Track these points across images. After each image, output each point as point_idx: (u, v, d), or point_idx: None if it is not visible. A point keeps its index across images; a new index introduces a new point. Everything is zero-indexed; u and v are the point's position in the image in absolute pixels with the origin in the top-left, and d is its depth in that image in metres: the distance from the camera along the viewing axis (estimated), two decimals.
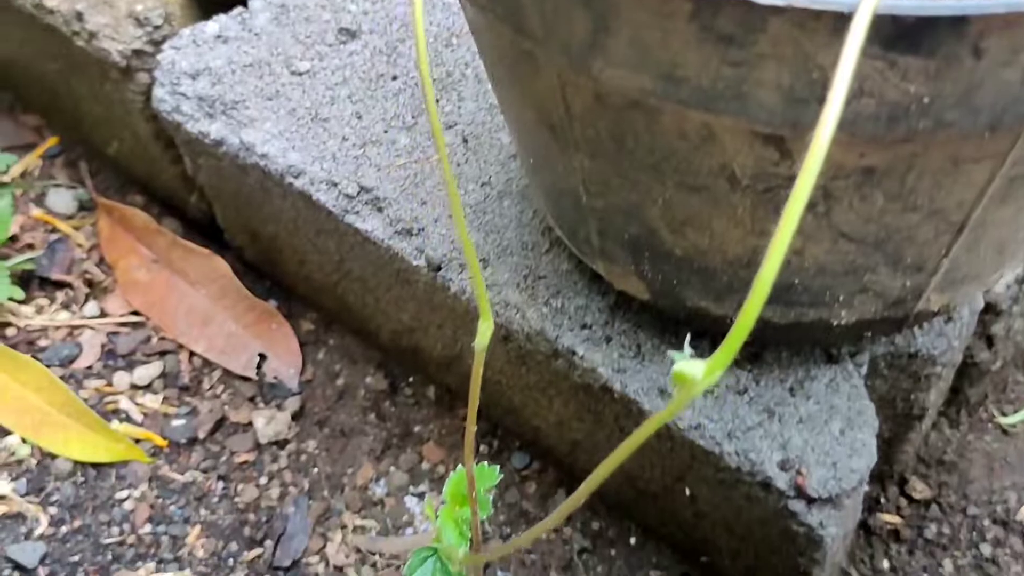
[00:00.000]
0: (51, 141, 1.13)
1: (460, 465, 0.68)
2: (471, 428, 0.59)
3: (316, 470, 0.96)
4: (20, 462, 0.96)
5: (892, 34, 0.43)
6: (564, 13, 0.49)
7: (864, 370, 0.73)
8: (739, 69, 0.46)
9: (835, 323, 0.66)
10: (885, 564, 0.89)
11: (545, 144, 0.63)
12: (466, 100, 0.85)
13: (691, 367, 0.45)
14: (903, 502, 0.91)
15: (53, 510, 0.94)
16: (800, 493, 0.70)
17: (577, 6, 0.48)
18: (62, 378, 0.98)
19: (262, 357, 1.00)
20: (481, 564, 0.72)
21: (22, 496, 0.94)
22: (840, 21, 0.42)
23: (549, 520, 0.59)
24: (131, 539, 0.92)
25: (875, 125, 0.48)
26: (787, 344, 0.72)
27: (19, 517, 0.93)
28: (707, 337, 0.73)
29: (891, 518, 0.90)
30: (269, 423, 0.97)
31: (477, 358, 0.56)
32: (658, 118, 0.53)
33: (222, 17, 0.90)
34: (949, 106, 0.46)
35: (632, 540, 0.91)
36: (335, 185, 0.81)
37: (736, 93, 0.48)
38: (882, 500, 0.91)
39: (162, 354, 1.02)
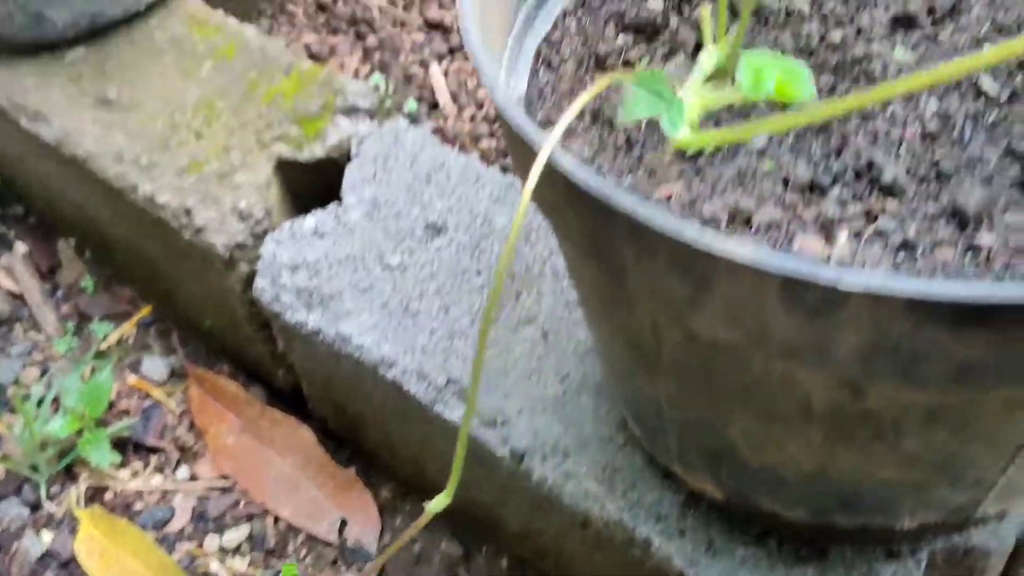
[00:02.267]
0: (144, 311, 1.20)
1: None
2: None
3: None
4: None
5: (961, 313, 0.49)
6: (664, 278, 0.55)
7: (923, 565, 0.77)
8: (821, 332, 0.52)
9: (898, 528, 0.71)
10: None
11: (630, 363, 0.70)
12: (545, 295, 0.91)
13: None
14: None
15: None
16: None
17: (677, 272, 0.54)
18: (156, 540, 1.04)
19: (343, 522, 1.06)
20: None
21: None
22: (909, 303, 0.48)
23: None
24: None
25: (942, 379, 0.54)
26: (852, 543, 0.77)
27: None
28: (774, 535, 0.78)
29: None
30: None
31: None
32: (744, 362, 0.59)
33: (319, 212, 0.97)
34: (1009, 369, 0.52)
35: None
36: (425, 376, 0.87)
37: (817, 350, 0.54)
38: None
39: (249, 517, 1.07)
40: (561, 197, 0.55)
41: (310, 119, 1.03)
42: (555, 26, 0.72)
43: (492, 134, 1.28)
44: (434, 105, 1.33)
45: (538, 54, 0.70)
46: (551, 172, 0.53)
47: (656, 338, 0.63)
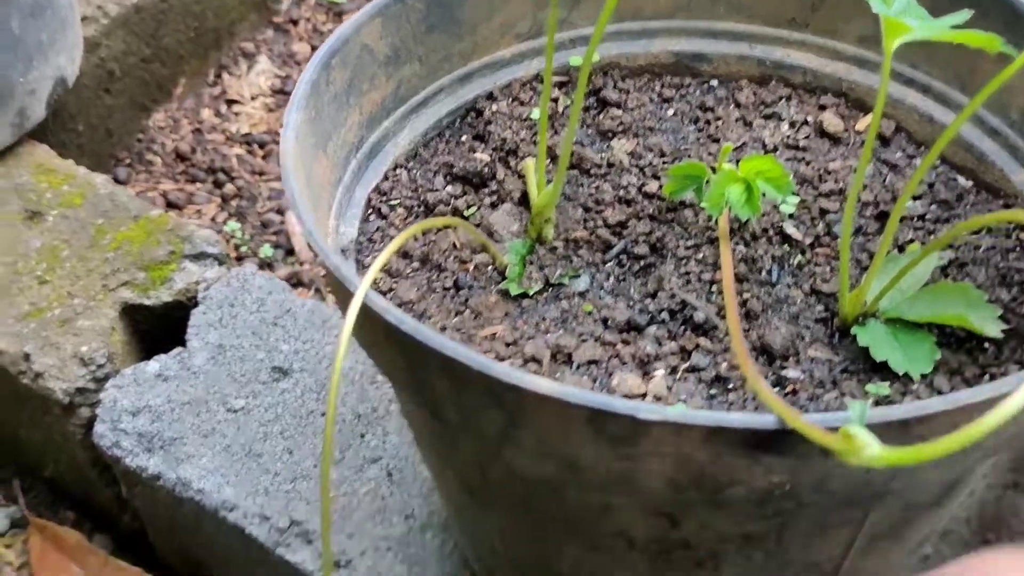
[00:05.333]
0: None
1: None
2: None
3: None
4: None
5: (755, 440, 0.51)
6: (478, 410, 0.57)
7: None
8: (629, 463, 0.54)
9: None
10: None
11: (464, 499, 0.71)
12: (391, 434, 0.92)
13: None
14: None
15: None
16: None
17: (490, 406, 0.56)
18: None
19: None
20: None
21: None
22: (708, 432, 0.51)
23: None
24: None
25: (748, 504, 0.56)
26: None
27: None
28: None
29: None
30: None
31: None
32: (563, 493, 0.61)
33: (163, 357, 0.97)
34: (808, 490, 0.55)
35: None
36: (267, 519, 0.87)
37: (628, 480, 0.56)
38: None
39: None
40: (379, 336, 0.57)
41: (157, 265, 1.04)
42: (386, 177, 0.75)
43: None
44: (290, 251, 1.35)
45: (368, 203, 0.73)
46: (367, 312, 0.55)
47: (481, 473, 0.64)
